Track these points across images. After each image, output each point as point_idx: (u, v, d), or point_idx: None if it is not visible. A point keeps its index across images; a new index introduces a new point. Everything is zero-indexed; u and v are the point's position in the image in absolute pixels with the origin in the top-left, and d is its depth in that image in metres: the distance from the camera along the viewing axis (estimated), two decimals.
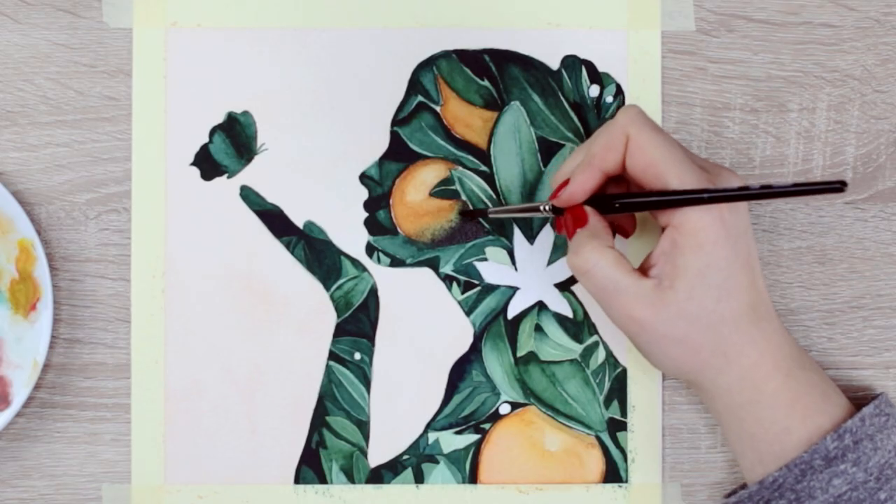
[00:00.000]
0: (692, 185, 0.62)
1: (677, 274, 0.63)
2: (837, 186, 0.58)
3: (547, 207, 0.67)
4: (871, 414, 0.64)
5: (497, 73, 0.71)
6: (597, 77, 0.72)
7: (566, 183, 0.65)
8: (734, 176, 0.65)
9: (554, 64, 0.72)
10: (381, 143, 0.71)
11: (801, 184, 0.60)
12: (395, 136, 0.71)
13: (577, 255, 0.64)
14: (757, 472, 0.65)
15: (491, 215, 0.70)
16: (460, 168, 0.71)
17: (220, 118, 0.71)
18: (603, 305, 0.65)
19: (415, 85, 0.71)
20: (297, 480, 0.71)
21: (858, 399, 0.71)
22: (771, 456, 0.64)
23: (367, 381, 0.71)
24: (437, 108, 0.71)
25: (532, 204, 0.69)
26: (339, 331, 0.71)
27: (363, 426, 0.71)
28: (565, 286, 0.71)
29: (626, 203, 0.65)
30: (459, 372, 0.71)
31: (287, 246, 0.71)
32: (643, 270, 0.65)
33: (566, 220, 0.66)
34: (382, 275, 0.71)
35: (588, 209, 0.65)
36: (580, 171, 0.65)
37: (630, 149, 0.64)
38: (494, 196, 0.71)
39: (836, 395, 0.65)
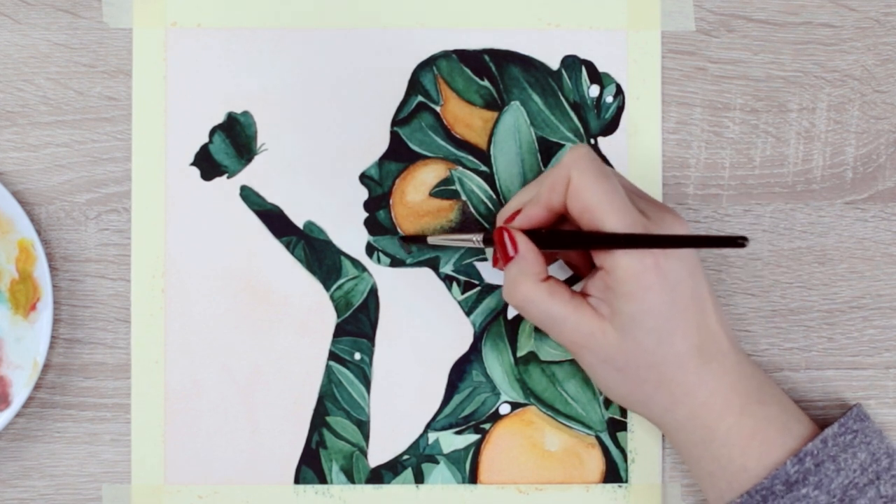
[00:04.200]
0: (625, 231, 0.62)
1: (613, 314, 0.63)
2: (740, 242, 0.58)
3: (477, 239, 0.67)
4: (833, 434, 0.64)
5: (497, 73, 0.71)
6: (597, 77, 0.72)
7: (517, 213, 0.66)
8: (678, 221, 0.64)
9: (554, 64, 0.72)
10: (381, 143, 0.71)
11: (704, 237, 0.60)
12: (395, 136, 0.71)
13: (511, 293, 0.65)
14: None
15: (430, 242, 0.70)
16: (460, 168, 0.71)
17: (220, 118, 0.71)
18: (545, 332, 0.66)
19: (415, 85, 0.71)
20: (297, 480, 0.71)
21: (859, 400, 0.71)
22: (730, 492, 0.64)
23: (367, 381, 0.71)
24: (437, 108, 0.71)
25: (465, 235, 0.68)
26: (339, 331, 0.71)
27: (363, 426, 0.71)
28: None
29: (552, 238, 0.65)
30: (459, 372, 0.71)
31: (287, 246, 0.71)
32: (584, 291, 0.65)
33: (497, 248, 0.66)
34: (382, 275, 0.71)
35: (521, 239, 0.65)
36: (530, 205, 0.65)
37: (570, 192, 0.63)
38: (494, 196, 0.71)
39: (798, 425, 0.65)
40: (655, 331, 0.62)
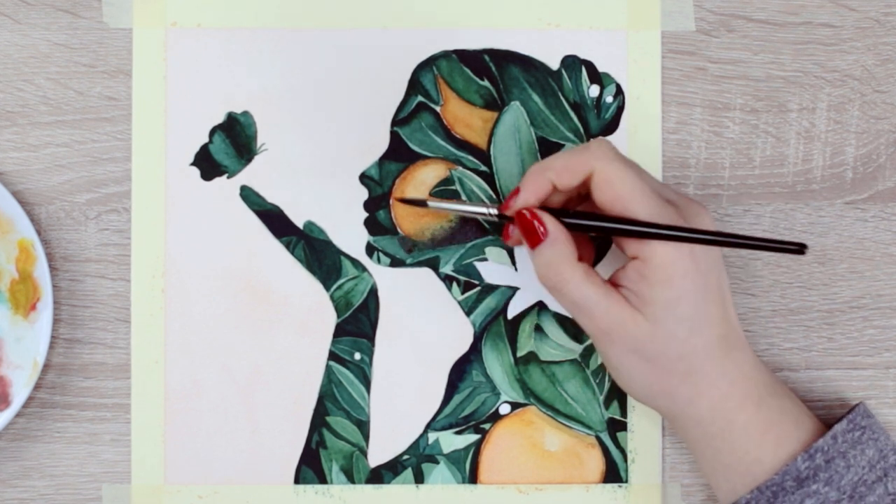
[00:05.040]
0: (658, 220, 0.62)
1: (646, 303, 0.63)
2: (797, 249, 0.57)
3: (493, 211, 0.67)
4: (843, 430, 0.64)
5: (497, 73, 0.71)
6: (597, 77, 0.72)
7: (516, 192, 0.65)
8: (703, 211, 0.64)
9: (554, 64, 0.72)
10: (381, 143, 0.71)
11: (764, 239, 0.60)
12: (395, 136, 0.71)
13: (546, 275, 0.64)
14: (731, 500, 0.65)
15: (430, 206, 0.69)
16: (460, 168, 0.71)
17: (220, 118, 0.71)
18: (574, 317, 0.65)
19: (415, 85, 0.71)
20: (297, 480, 0.71)
21: (858, 400, 0.71)
22: (743, 487, 0.64)
23: (367, 381, 0.71)
24: (437, 108, 0.71)
25: (477, 204, 0.68)
26: (339, 331, 0.71)
27: (363, 426, 0.71)
28: None
29: (575, 223, 0.64)
30: (459, 372, 0.71)
31: (287, 246, 0.71)
32: (613, 282, 0.65)
33: (523, 230, 0.65)
34: (382, 275, 0.71)
35: (548, 218, 0.64)
36: (532, 177, 0.64)
37: (597, 182, 0.63)
38: (494, 196, 0.71)
39: (808, 419, 0.65)
40: (688, 319, 0.63)
